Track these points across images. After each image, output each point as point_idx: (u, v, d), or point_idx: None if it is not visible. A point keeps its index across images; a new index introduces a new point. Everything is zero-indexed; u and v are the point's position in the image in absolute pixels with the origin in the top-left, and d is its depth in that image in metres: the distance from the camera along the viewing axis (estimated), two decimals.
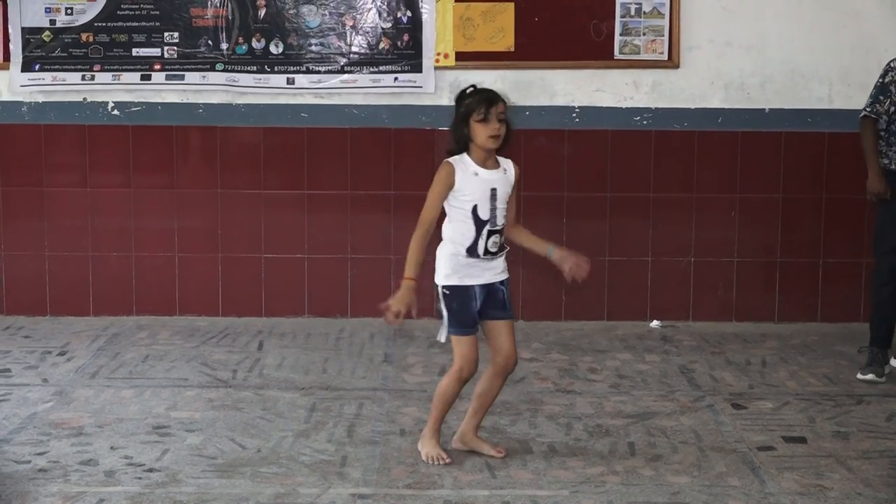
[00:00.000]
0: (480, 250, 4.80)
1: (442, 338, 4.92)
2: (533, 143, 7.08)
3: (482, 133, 4.74)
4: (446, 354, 6.51)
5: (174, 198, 7.16)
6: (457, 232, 4.82)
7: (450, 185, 4.77)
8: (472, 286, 4.83)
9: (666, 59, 7.04)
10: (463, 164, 4.80)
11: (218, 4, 6.99)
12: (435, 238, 4.88)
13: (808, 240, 7.18)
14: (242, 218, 7.17)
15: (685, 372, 6.25)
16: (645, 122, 7.10)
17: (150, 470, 4.76)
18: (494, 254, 4.83)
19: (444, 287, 4.86)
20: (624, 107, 7.10)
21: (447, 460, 4.89)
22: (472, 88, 4.85)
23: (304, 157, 7.14)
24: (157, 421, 5.36)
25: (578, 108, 7.09)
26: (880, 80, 6.14)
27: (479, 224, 4.79)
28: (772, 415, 5.56)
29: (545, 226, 7.06)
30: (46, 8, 6.99)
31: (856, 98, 6.95)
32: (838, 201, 7.14)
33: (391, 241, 7.16)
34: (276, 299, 7.22)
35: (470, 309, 4.84)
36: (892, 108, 6.08)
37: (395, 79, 7.03)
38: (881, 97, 6.10)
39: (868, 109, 6.13)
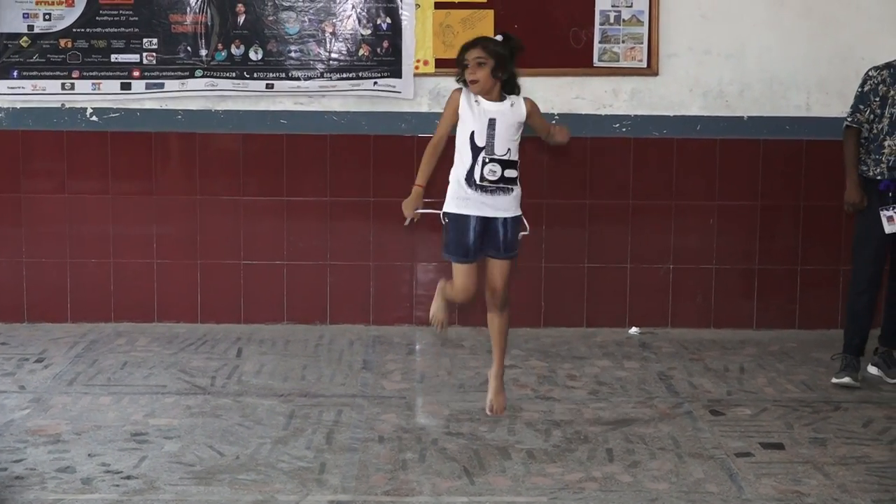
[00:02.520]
0: (476, 176, 5.13)
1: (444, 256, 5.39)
2: None
3: (466, 80, 5.18)
4: (425, 361, 6.52)
5: (153, 204, 7.14)
6: (459, 159, 5.20)
7: (455, 108, 5.20)
8: (469, 217, 5.18)
9: (645, 66, 7.07)
10: (468, 92, 5.23)
11: (197, 11, 6.98)
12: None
13: (786, 247, 7.21)
14: (221, 224, 7.16)
15: (664, 378, 6.26)
16: (624, 130, 7.12)
17: (128, 477, 4.75)
18: (494, 183, 5.12)
19: (443, 213, 5.22)
20: (603, 114, 7.11)
21: (437, 326, 5.57)
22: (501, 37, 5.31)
23: (284, 164, 7.13)
24: (134, 428, 5.34)
25: (558, 115, 7.10)
26: (860, 90, 6.19)
27: (475, 150, 5.14)
28: (749, 421, 5.57)
29: None
30: (24, 14, 6.97)
31: (833, 106, 7.00)
32: (816, 209, 7.16)
33: (370, 247, 7.16)
34: (255, 306, 7.20)
35: (466, 238, 5.21)
36: (872, 116, 6.13)
37: (375, 83, 7.02)
38: (861, 106, 6.15)
39: (849, 119, 6.19)
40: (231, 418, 5.50)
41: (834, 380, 6.18)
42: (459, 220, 5.20)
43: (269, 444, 5.15)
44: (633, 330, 7.20)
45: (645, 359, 6.64)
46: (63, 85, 7.00)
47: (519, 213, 5.27)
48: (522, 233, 5.37)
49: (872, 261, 6.18)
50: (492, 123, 5.14)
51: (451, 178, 5.25)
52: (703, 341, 7.01)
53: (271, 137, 7.11)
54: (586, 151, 7.14)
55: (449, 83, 6.98)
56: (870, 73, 6.18)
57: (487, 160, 5.12)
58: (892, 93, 6.09)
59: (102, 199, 7.13)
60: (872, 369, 6.34)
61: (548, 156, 7.14)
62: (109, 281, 7.17)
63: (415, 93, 7.05)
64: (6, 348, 6.67)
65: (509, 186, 5.19)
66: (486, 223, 5.21)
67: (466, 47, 5.20)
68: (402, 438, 5.25)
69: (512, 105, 5.22)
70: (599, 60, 7.07)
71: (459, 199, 5.20)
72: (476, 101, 5.17)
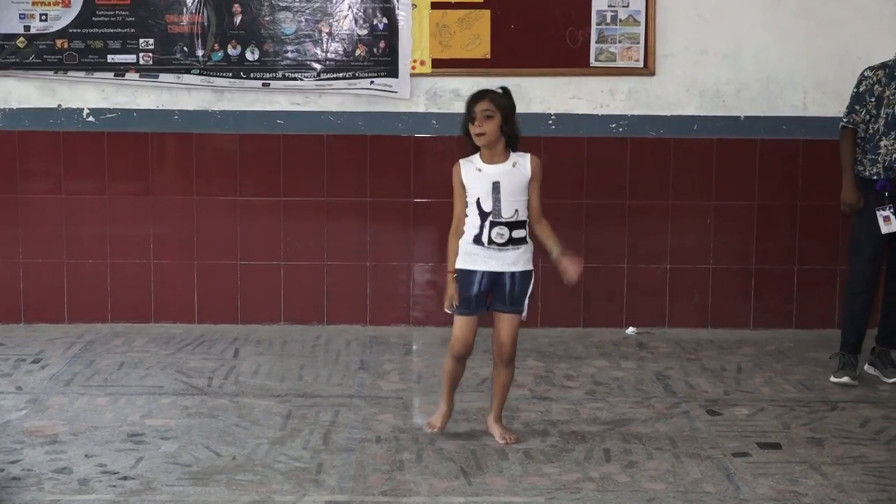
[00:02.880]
0: (484, 240, 5.08)
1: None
2: None
3: (472, 133, 5.07)
4: (422, 361, 6.51)
5: (149, 204, 7.14)
6: (468, 223, 5.13)
7: (459, 182, 5.15)
8: (475, 271, 5.12)
9: (642, 66, 7.07)
10: (469, 163, 5.15)
11: (193, 11, 6.98)
12: None
13: (783, 247, 7.21)
14: (218, 225, 7.15)
15: (661, 378, 6.26)
16: (621, 130, 7.12)
17: (125, 478, 4.74)
18: (502, 245, 5.08)
19: (457, 269, 5.16)
20: (600, 114, 7.11)
21: (428, 429, 5.28)
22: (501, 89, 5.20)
23: (280, 164, 7.13)
24: (131, 429, 5.33)
25: (554, 115, 7.11)
26: (855, 90, 6.20)
27: (482, 215, 5.08)
28: (747, 421, 5.57)
29: None
30: (21, 14, 6.96)
31: (830, 106, 7.00)
32: (813, 208, 7.16)
33: (367, 247, 7.15)
34: (252, 306, 7.20)
35: (469, 292, 5.13)
36: (868, 117, 6.14)
37: (371, 82, 7.02)
38: (857, 107, 6.16)
39: (845, 120, 6.21)
40: (228, 419, 5.50)
41: (833, 378, 6.21)
42: (466, 274, 5.13)
43: (266, 445, 5.15)
44: (630, 330, 7.20)
45: (642, 359, 6.64)
46: (56, 72, 6.98)
47: (529, 268, 5.16)
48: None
49: (870, 261, 6.20)
50: (496, 187, 5.06)
51: (461, 238, 5.16)
52: (700, 341, 7.01)
53: (268, 138, 7.10)
54: (583, 151, 7.14)
55: (445, 83, 7.03)
56: (865, 74, 6.20)
57: (494, 224, 5.06)
58: (887, 93, 6.10)
59: (99, 199, 7.13)
60: (869, 368, 6.35)
61: (544, 156, 7.13)
62: (106, 281, 7.16)
63: (411, 93, 7.05)
64: (3, 349, 6.66)
65: (518, 246, 5.12)
66: (495, 278, 5.13)
67: (474, 100, 5.08)
68: (399, 439, 5.25)
69: (515, 164, 5.11)
70: (596, 60, 7.07)
71: (467, 255, 5.12)
72: (478, 168, 5.10)
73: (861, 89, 6.17)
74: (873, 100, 6.12)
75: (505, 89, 5.17)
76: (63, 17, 6.97)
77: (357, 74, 7.02)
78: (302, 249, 7.17)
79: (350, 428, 5.38)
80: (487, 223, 5.06)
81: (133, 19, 6.98)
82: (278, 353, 6.64)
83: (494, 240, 5.07)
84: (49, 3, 6.96)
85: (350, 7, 7.00)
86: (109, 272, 7.16)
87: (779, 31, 7.10)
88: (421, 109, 7.07)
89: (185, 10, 6.97)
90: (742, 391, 6.06)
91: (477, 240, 5.09)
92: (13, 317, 7.17)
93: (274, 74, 7.02)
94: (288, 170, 7.13)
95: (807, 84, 7.11)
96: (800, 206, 7.19)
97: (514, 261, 5.12)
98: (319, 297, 7.20)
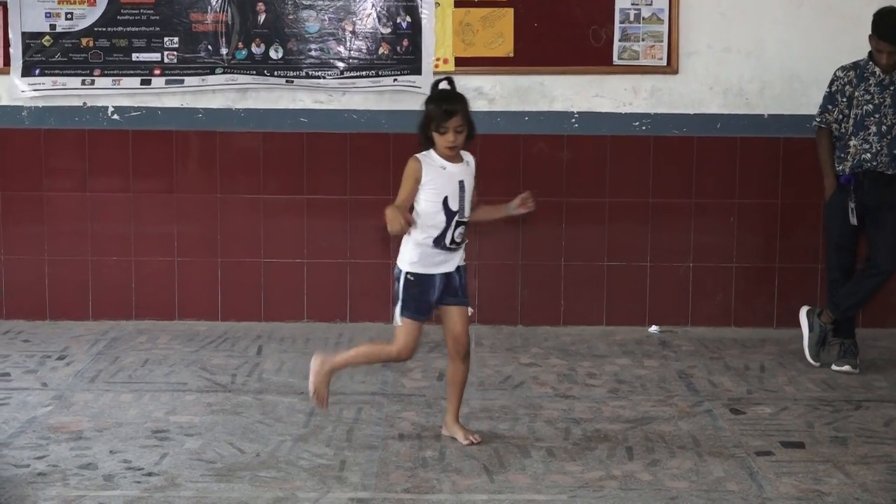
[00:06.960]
0: (447, 240, 5.00)
1: (398, 321, 5.06)
2: (532, 148, 7.09)
3: (440, 143, 4.97)
4: (445, 359, 6.51)
5: (174, 202, 7.17)
6: (426, 225, 4.99)
7: (418, 180, 4.99)
8: (435, 275, 5.04)
9: (665, 64, 7.06)
10: (429, 159, 5.01)
11: (218, 10, 7.00)
12: None
13: (806, 245, 7.19)
14: (242, 222, 7.18)
15: (684, 377, 6.25)
16: (644, 128, 7.11)
17: (149, 474, 4.77)
18: (459, 244, 5.05)
19: (408, 273, 5.03)
20: (623, 112, 7.11)
21: (317, 403, 5.18)
22: (444, 82, 5.06)
23: (304, 162, 7.15)
24: (156, 425, 5.36)
25: (577, 113, 7.10)
26: (828, 90, 6.38)
27: (449, 215, 4.99)
28: (770, 420, 5.56)
29: (544, 231, 7.10)
30: (47, 13, 7.01)
31: None
32: None
33: (390, 246, 7.15)
34: (276, 304, 7.22)
35: (428, 297, 5.05)
36: (840, 116, 6.28)
37: (395, 80, 7.03)
38: (829, 106, 6.34)
39: (818, 119, 6.40)
40: (251, 416, 5.52)
41: (834, 367, 6.34)
42: (425, 279, 5.03)
43: (289, 442, 5.17)
44: (653, 328, 7.19)
45: (665, 357, 6.63)
46: (83, 82, 7.04)
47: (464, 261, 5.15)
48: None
49: (838, 248, 6.40)
50: (462, 186, 5.00)
51: (411, 242, 5.02)
52: (723, 340, 7.00)
53: (292, 136, 7.13)
54: (606, 150, 7.13)
55: (469, 81, 7.02)
56: (837, 74, 6.36)
57: (458, 224, 5.00)
58: (857, 94, 6.23)
59: (123, 197, 7.17)
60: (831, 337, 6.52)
61: (567, 154, 7.14)
62: (131, 279, 7.20)
63: None
64: (28, 345, 6.70)
65: (464, 242, 5.09)
66: (447, 277, 5.07)
67: (447, 114, 4.90)
68: (422, 436, 5.27)
69: (468, 164, 5.07)
70: (619, 59, 7.06)
71: (427, 258, 5.00)
72: (443, 166, 5.00)
73: (833, 89, 6.34)
74: (844, 100, 6.30)
75: (450, 81, 5.06)
76: (88, 16, 7.01)
77: (380, 72, 7.04)
78: (325, 247, 7.19)
79: (373, 425, 5.40)
80: (454, 223, 4.99)
81: (157, 18, 7.02)
82: (301, 350, 6.66)
83: (456, 239, 5.01)
84: (75, 2, 7.00)
85: (373, 5, 7.01)
86: (134, 269, 7.20)
87: (802, 29, 7.08)
88: None
89: (209, 8, 7.00)
90: (765, 390, 6.05)
91: (438, 241, 4.99)
92: (39, 313, 7.22)
93: (298, 73, 7.04)
94: (311, 168, 7.15)
95: None
96: (823, 204, 7.15)
97: (462, 257, 5.11)
98: (342, 295, 7.22)
